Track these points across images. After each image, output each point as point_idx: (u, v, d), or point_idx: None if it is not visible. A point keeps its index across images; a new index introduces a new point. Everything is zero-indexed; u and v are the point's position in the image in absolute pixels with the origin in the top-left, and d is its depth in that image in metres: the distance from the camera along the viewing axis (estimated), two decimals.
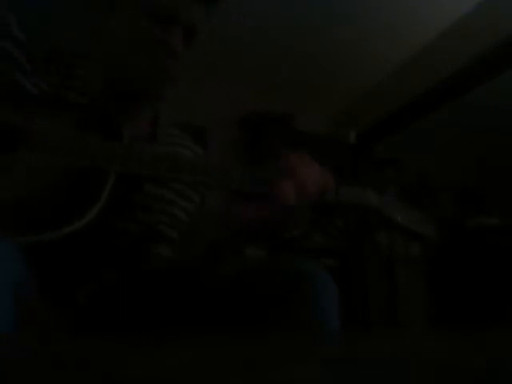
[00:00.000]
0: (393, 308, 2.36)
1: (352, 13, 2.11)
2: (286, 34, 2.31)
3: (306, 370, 0.23)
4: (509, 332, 0.38)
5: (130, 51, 0.64)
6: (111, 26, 0.66)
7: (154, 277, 0.66)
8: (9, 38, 0.62)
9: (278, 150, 2.72)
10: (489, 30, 1.93)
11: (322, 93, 2.81)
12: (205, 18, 0.67)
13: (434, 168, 2.79)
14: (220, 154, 2.67)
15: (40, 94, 0.61)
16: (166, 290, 0.63)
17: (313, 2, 2.07)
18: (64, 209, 0.51)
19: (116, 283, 0.63)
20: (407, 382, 0.22)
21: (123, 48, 0.65)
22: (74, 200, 0.52)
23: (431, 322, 2.28)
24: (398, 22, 2.16)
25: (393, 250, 2.42)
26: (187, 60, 0.68)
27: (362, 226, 2.46)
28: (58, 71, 0.65)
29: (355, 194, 0.63)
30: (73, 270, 0.59)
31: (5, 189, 0.50)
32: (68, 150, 0.52)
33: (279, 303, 0.55)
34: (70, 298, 0.59)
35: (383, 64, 2.51)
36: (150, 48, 0.63)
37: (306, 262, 0.60)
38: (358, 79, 2.69)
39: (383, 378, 0.22)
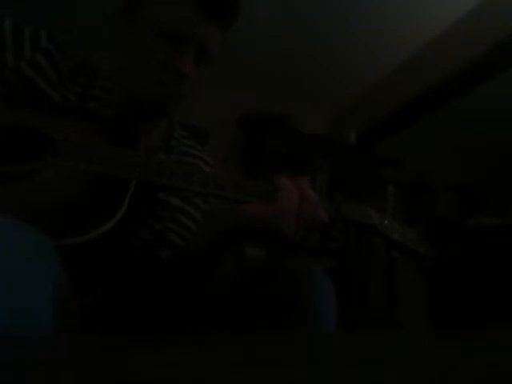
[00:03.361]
0: (392, 308, 2.36)
1: (352, 13, 2.12)
2: (286, 34, 2.31)
3: (306, 370, 0.23)
4: (509, 332, 0.38)
5: (139, 71, 0.64)
6: (127, 39, 0.65)
7: (154, 278, 0.67)
8: (39, 51, 0.64)
9: (278, 150, 2.72)
10: (489, 30, 1.93)
11: (322, 93, 2.82)
12: (219, 40, 0.66)
13: (434, 168, 2.79)
14: (220, 155, 2.67)
15: (66, 104, 0.63)
16: (167, 291, 0.63)
17: (313, 2, 2.07)
18: (87, 216, 0.53)
19: (119, 285, 0.63)
20: (407, 382, 0.22)
21: (134, 67, 0.65)
22: (97, 207, 0.54)
23: (431, 322, 2.28)
24: (398, 21, 2.16)
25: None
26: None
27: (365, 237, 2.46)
28: (82, 82, 0.67)
29: (357, 211, 0.65)
30: (83, 274, 0.59)
31: (33, 194, 0.52)
32: (94, 159, 0.54)
33: (278, 304, 0.56)
34: (79, 302, 0.59)
35: (383, 64, 2.52)
36: (158, 70, 0.63)
37: (305, 263, 0.61)
38: (358, 79, 2.69)
39: (383, 378, 0.22)
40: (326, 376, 0.22)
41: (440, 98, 2.34)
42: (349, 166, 2.80)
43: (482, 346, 0.32)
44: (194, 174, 0.58)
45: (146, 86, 0.64)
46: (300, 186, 0.59)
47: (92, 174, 0.54)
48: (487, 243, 2.26)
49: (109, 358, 0.23)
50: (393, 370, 0.24)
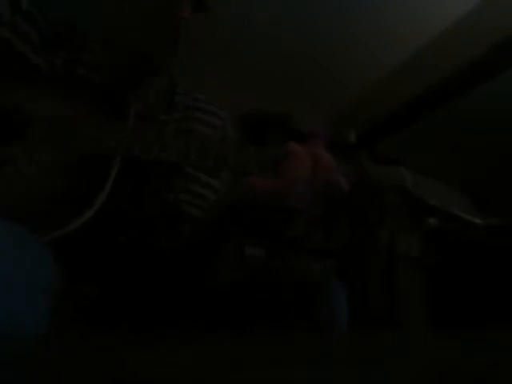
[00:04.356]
0: (392, 308, 2.36)
1: (352, 13, 2.11)
2: (286, 34, 2.31)
3: (306, 370, 0.23)
4: (509, 332, 0.38)
5: (132, 22, 0.60)
6: None
7: (155, 279, 0.66)
8: (19, 13, 0.60)
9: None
10: (489, 30, 1.93)
11: (322, 93, 2.81)
12: None
13: (434, 168, 2.78)
14: None
15: (51, 70, 0.59)
16: (167, 292, 0.63)
17: (313, 3, 2.07)
18: (71, 199, 0.50)
19: (120, 281, 0.62)
20: (407, 382, 0.22)
21: (125, 19, 0.61)
22: (82, 188, 0.51)
23: (431, 322, 2.28)
24: (398, 21, 2.16)
25: (393, 250, 2.42)
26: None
27: (364, 225, 2.46)
28: (69, 46, 0.62)
29: (386, 172, 0.55)
30: (84, 261, 0.57)
31: (14, 181, 0.48)
32: (72, 140, 0.50)
33: (278, 304, 0.55)
34: (82, 290, 0.58)
35: (383, 64, 2.51)
36: (153, 19, 0.59)
37: (305, 262, 0.60)
38: (358, 79, 2.68)
39: (383, 378, 0.22)
40: (326, 376, 0.22)
41: (440, 97, 2.34)
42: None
43: (482, 346, 0.32)
44: (192, 145, 0.51)
45: (143, 34, 0.60)
46: (312, 151, 0.50)
47: (72, 156, 0.50)
48: (487, 243, 2.26)
49: (106, 357, 0.23)
50: (393, 369, 0.24)
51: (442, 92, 2.28)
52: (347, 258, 2.45)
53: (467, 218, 0.55)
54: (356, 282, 2.43)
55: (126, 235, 0.61)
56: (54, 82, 0.56)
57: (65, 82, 0.57)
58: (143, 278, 0.65)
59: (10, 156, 0.49)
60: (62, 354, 0.25)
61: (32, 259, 0.40)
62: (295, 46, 2.40)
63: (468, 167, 2.98)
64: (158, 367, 0.22)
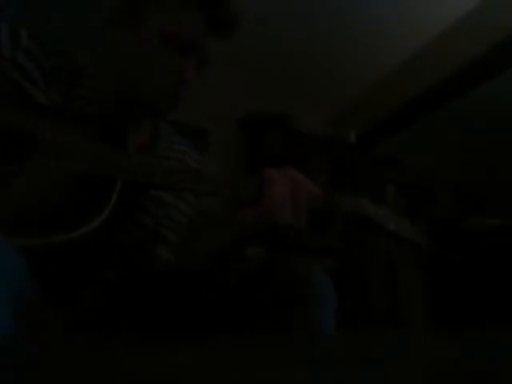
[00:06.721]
0: (393, 308, 2.36)
1: (352, 13, 2.11)
2: (287, 34, 2.31)
3: (306, 370, 0.23)
4: (509, 332, 0.38)
5: (143, 70, 0.65)
6: (129, 41, 0.66)
7: (154, 280, 0.67)
8: (20, 50, 0.62)
9: (278, 150, 2.72)
10: (489, 30, 1.93)
11: (322, 93, 2.81)
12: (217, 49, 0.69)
13: (434, 168, 2.79)
14: (220, 155, 2.67)
15: (50, 103, 0.62)
16: (167, 292, 0.63)
17: (313, 2, 2.07)
18: (73, 213, 0.52)
19: (118, 285, 0.63)
20: (407, 382, 0.22)
21: (137, 65, 0.65)
22: (83, 205, 0.53)
23: (432, 322, 2.28)
24: (398, 21, 2.16)
25: (393, 250, 2.42)
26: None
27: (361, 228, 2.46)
28: (67, 80, 0.66)
29: (351, 202, 0.66)
30: (76, 270, 0.59)
31: (15, 195, 0.50)
32: (80, 159, 0.53)
33: (278, 304, 0.56)
34: (73, 299, 0.59)
35: (383, 64, 2.51)
36: (162, 72, 0.64)
37: (304, 262, 0.61)
38: (358, 79, 2.68)
39: (383, 377, 0.22)
40: (326, 376, 0.22)
41: (440, 97, 2.34)
42: (349, 166, 2.80)
43: (482, 346, 0.32)
44: (185, 172, 0.57)
45: (148, 88, 0.65)
46: (286, 172, 0.60)
47: (78, 174, 0.52)
48: (487, 243, 2.26)
49: (104, 358, 0.23)
50: (393, 369, 0.24)
51: (442, 92, 2.28)
52: (347, 257, 2.45)
53: (414, 240, 0.68)
54: (357, 281, 2.43)
55: (115, 254, 0.65)
56: (52, 113, 0.59)
57: (63, 113, 0.60)
58: (141, 282, 0.66)
59: (14, 172, 0.51)
60: (60, 354, 0.25)
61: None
62: (295, 46, 2.40)
63: (468, 167, 2.98)
64: (157, 367, 0.22)
